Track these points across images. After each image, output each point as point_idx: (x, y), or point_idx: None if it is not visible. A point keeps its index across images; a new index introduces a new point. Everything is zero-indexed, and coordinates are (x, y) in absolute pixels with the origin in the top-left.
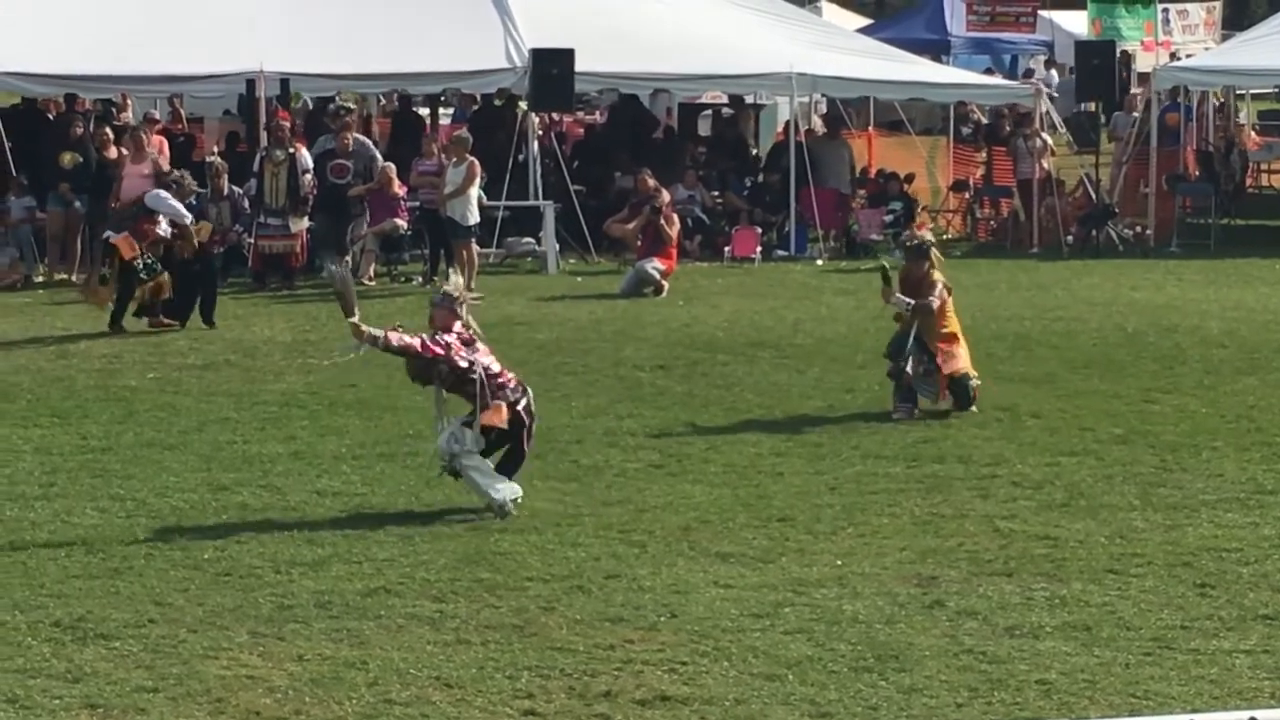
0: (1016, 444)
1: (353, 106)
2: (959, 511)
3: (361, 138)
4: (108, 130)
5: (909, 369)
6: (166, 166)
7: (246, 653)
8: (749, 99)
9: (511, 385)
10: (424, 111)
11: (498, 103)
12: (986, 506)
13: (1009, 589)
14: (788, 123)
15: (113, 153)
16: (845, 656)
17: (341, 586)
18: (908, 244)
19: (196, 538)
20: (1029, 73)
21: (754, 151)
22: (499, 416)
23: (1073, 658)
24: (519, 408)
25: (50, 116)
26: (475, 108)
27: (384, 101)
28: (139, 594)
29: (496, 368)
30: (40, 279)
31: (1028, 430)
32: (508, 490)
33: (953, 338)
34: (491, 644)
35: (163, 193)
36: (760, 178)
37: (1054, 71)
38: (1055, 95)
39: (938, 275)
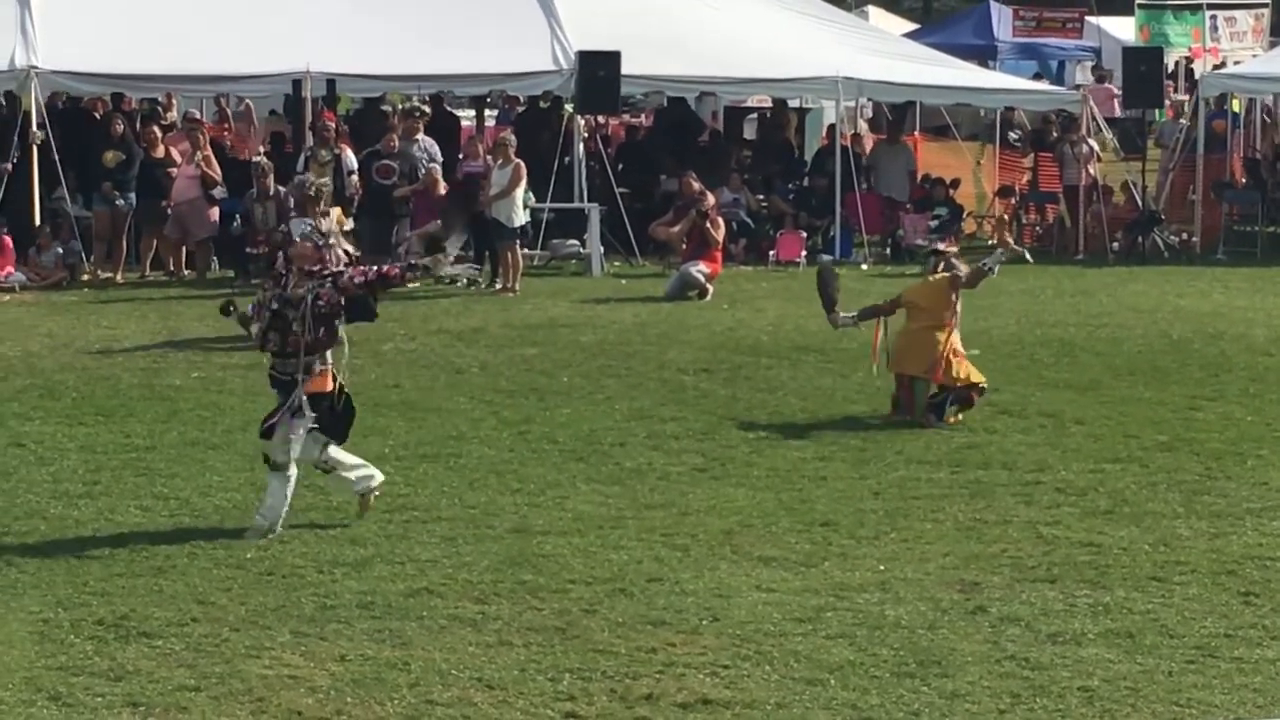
0: (1060, 450)
1: (427, 109)
2: (1002, 517)
3: (426, 139)
4: (155, 129)
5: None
6: (214, 170)
7: (289, 652)
8: (794, 103)
9: None
10: (469, 113)
11: (543, 105)
12: (1030, 513)
13: (1052, 595)
14: (831, 126)
15: (160, 152)
16: (887, 662)
17: (384, 587)
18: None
19: (239, 537)
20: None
21: (797, 154)
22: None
23: (1115, 665)
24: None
25: (96, 115)
26: (520, 109)
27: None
28: (182, 593)
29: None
30: (86, 277)
31: (1072, 437)
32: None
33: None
34: (533, 646)
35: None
36: (805, 181)
37: (1081, 76)
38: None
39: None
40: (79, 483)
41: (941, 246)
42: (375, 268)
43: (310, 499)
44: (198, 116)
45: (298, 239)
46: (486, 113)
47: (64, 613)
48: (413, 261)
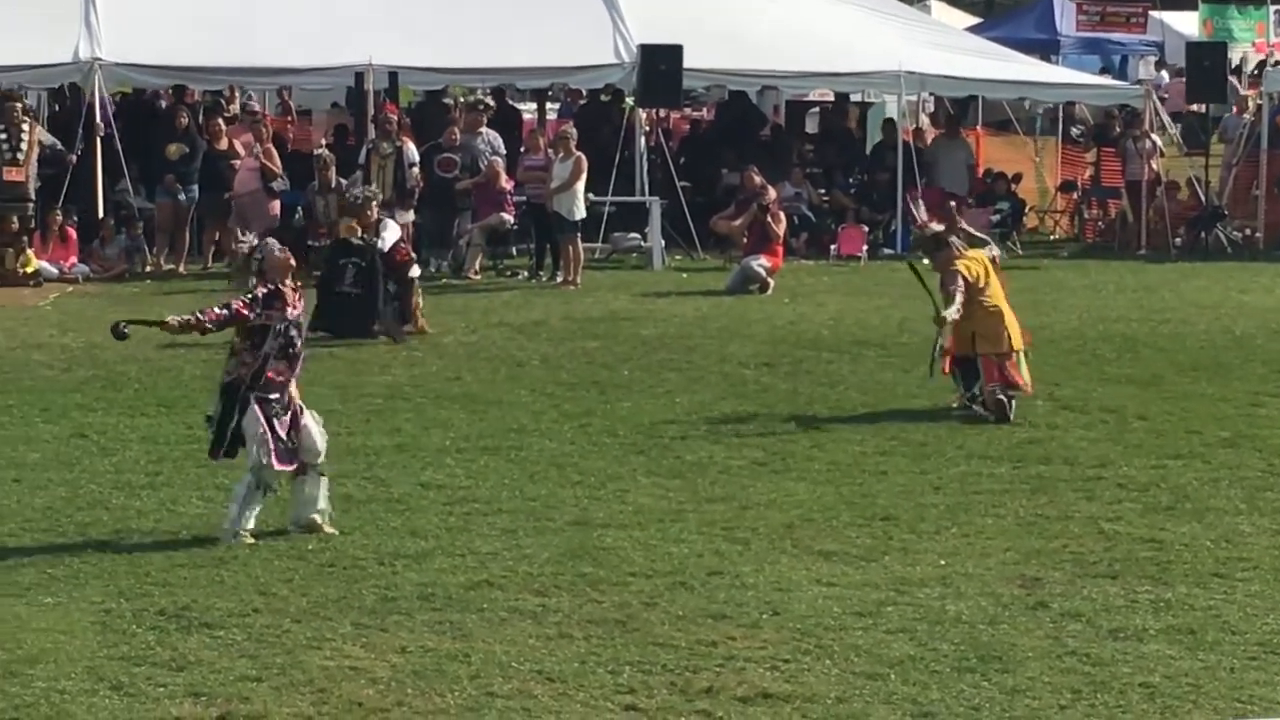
0: (1122, 446)
1: (490, 102)
2: (1064, 513)
3: (490, 132)
4: (219, 121)
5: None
6: (275, 163)
7: (349, 644)
8: (855, 97)
9: None
10: (531, 106)
11: (604, 98)
12: (1091, 508)
13: (1113, 591)
14: (890, 120)
15: (224, 144)
16: (948, 657)
17: (444, 579)
18: (920, 241)
19: (301, 528)
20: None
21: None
22: None
23: (1177, 661)
24: None
25: (160, 107)
26: (582, 102)
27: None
28: (243, 583)
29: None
30: (148, 269)
31: (1134, 432)
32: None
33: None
34: (594, 639)
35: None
36: (865, 176)
37: (1164, 72)
38: (1166, 97)
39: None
40: (141, 473)
41: (937, 227)
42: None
43: (371, 490)
44: (256, 109)
45: (276, 252)
46: (548, 106)
47: (126, 603)
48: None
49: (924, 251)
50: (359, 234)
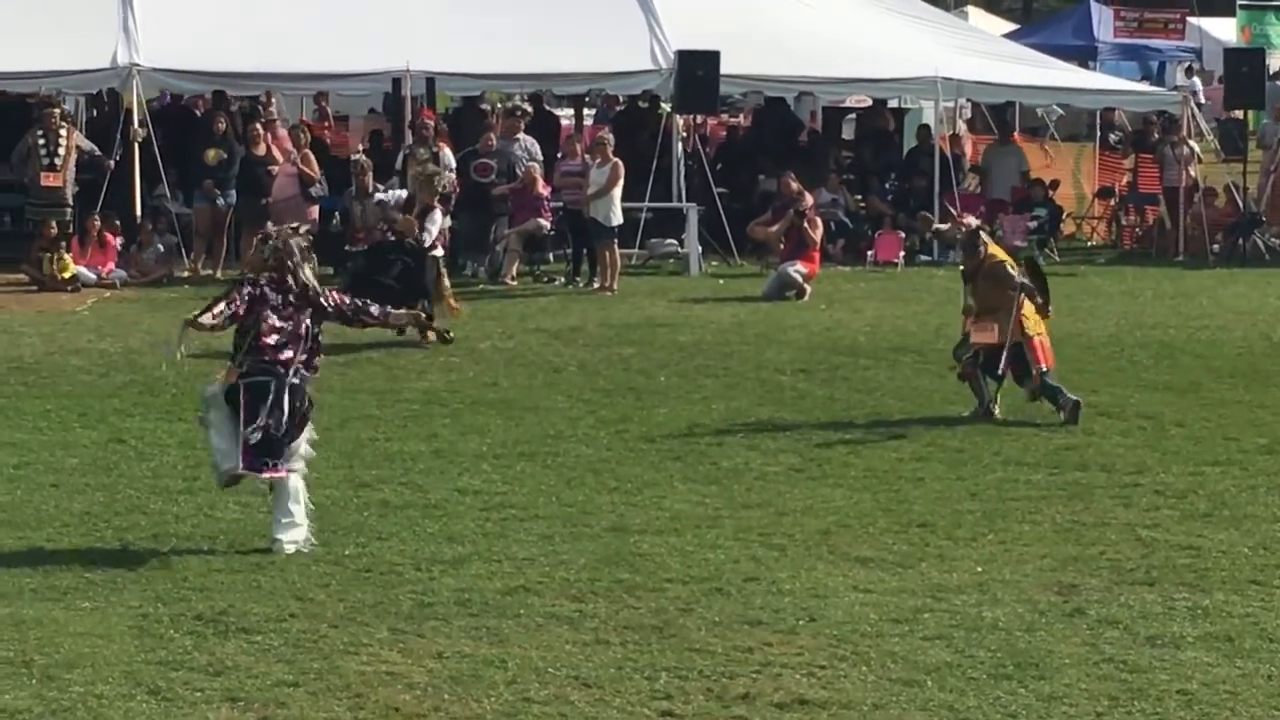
0: (1160, 453)
1: (528, 108)
2: (1101, 520)
3: (527, 138)
4: (258, 127)
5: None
6: (313, 169)
7: (386, 649)
8: (891, 103)
9: None
10: (568, 112)
11: (643, 104)
12: (1129, 515)
13: (1150, 598)
14: (925, 126)
15: (261, 149)
16: (984, 663)
17: (481, 585)
18: (958, 236)
19: (338, 534)
20: (1190, 70)
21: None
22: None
23: (1214, 668)
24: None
25: (197, 113)
26: (620, 108)
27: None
28: (280, 589)
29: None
30: (186, 273)
31: (1171, 439)
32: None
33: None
34: (630, 644)
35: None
36: (902, 182)
37: (1197, 79)
38: (1204, 102)
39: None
40: (178, 478)
41: (973, 222)
42: (362, 307)
43: (408, 496)
44: (274, 116)
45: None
46: (585, 112)
47: (163, 608)
48: (389, 313)
49: (962, 249)
50: (416, 232)
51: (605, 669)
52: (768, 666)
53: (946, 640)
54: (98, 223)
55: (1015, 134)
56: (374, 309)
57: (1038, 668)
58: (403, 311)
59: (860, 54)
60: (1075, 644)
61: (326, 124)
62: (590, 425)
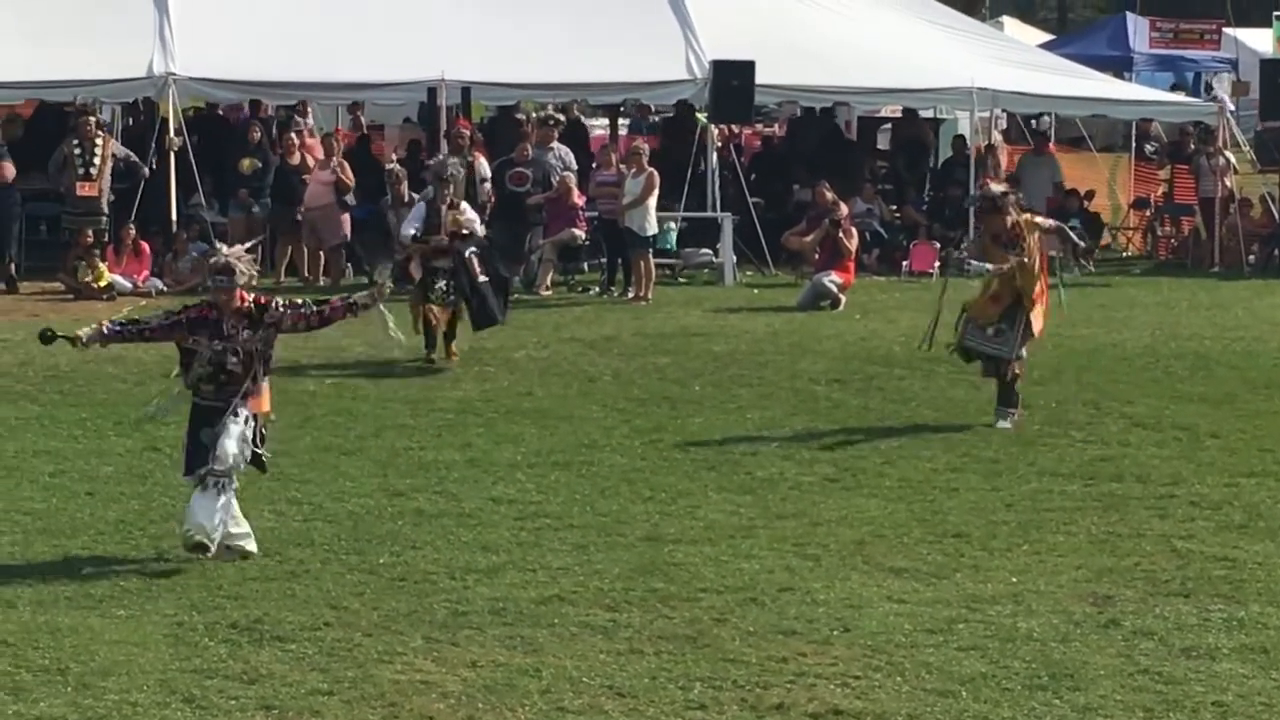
0: (1195, 464)
1: (561, 117)
2: (1136, 531)
3: (561, 147)
4: (293, 136)
5: (982, 346)
6: (349, 177)
7: (421, 658)
8: (925, 113)
9: None
10: (603, 122)
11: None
12: (1164, 526)
13: (1186, 610)
14: (958, 137)
15: (296, 158)
16: (1019, 674)
17: (515, 594)
18: (978, 199)
19: (372, 542)
20: (1208, 87)
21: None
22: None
23: (1250, 680)
24: None
25: (232, 122)
26: (666, 116)
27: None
28: (315, 597)
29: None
30: None
31: (1207, 450)
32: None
33: (1042, 294)
34: (664, 654)
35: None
36: (937, 192)
37: (1224, 90)
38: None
39: (1026, 226)
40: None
41: (998, 188)
42: (316, 310)
43: (442, 505)
44: (302, 126)
45: (221, 274)
46: (620, 121)
47: (198, 616)
48: (353, 300)
49: (982, 213)
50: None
51: (639, 679)
52: (802, 677)
53: (981, 651)
54: (133, 231)
55: (1050, 144)
56: (334, 299)
57: (1072, 679)
58: (364, 293)
59: (895, 64)
60: (1110, 655)
61: (359, 133)
62: (625, 434)
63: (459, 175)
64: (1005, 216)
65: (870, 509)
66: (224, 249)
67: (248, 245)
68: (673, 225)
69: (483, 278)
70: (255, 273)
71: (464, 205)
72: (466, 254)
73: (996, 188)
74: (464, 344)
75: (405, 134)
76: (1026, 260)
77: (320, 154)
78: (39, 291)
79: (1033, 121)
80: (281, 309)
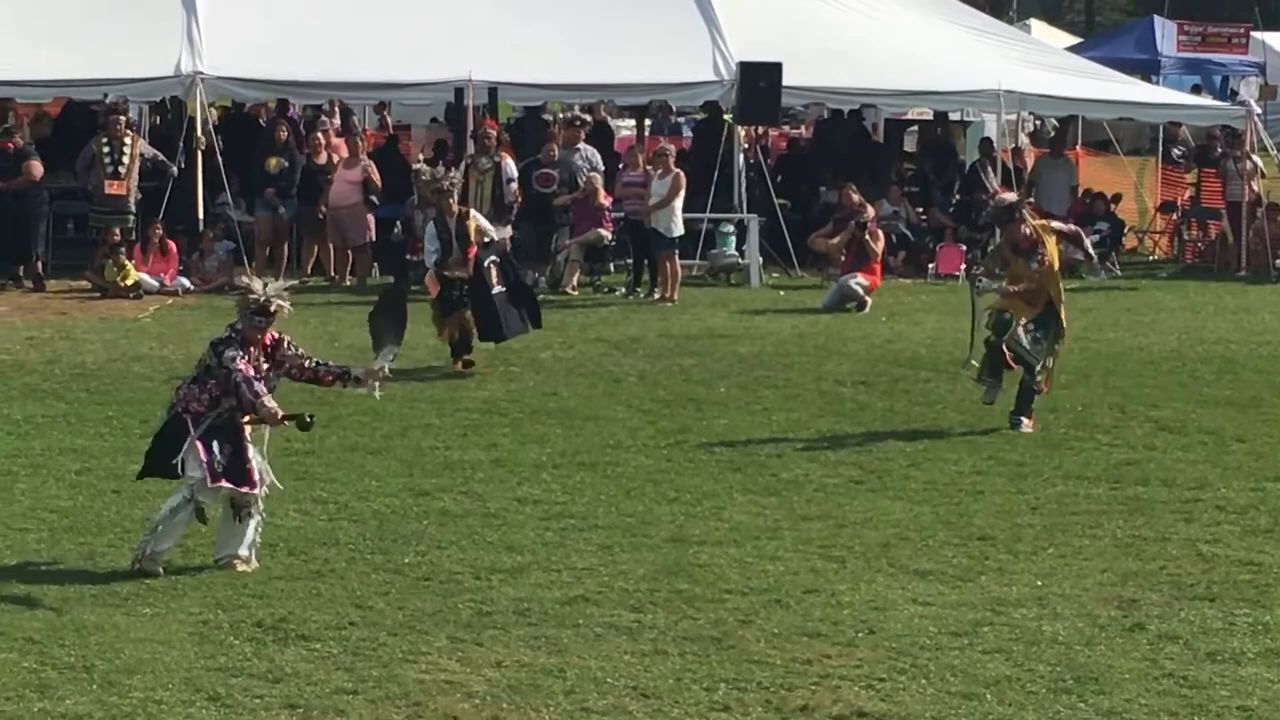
0: (1221, 468)
1: (587, 118)
2: (1161, 535)
3: (588, 148)
4: (319, 136)
5: (1021, 343)
6: (375, 177)
7: (445, 658)
8: (953, 115)
9: None
10: (630, 123)
11: (705, 115)
12: (1189, 530)
13: (1211, 614)
14: (985, 140)
15: (323, 158)
16: (1044, 678)
17: (540, 594)
18: (993, 211)
19: (397, 542)
20: (1234, 93)
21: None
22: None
23: (1275, 685)
24: None
25: (261, 122)
26: (701, 118)
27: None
28: (340, 596)
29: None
30: (245, 280)
31: (1233, 454)
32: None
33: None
34: (689, 655)
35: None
36: (957, 192)
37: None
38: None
39: (1043, 232)
40: None
41: (1010, 197)
42: (315, 367)
43: (468, 505)
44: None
45: (260, 315)
46: (647, 122)
47: (223, 614)
48: (348, 373)
49: (996, 222)
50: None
51: (664, 679)
52: (826, 679)
53: (1006, 654)
54: (160, 230)
55: (1077, 147)
56: (334, 365)
57: (1097, 682)
58: (361, 370)
59: (922, 66)
60: (1135, 659)
61: (385, 132)
62: (650, 435)
63: (456, 181)
64: (1022, 225)
65: (895, 511)
66: (264, 286)
67: (285, 285)
68: (730, 227)
69: (498, 288)
70: (291, 310)
71: (473, 213)
72: (486, 263)
73: (1009, 197)
74: (488, 342)
75: (432, 134)
76: (1047, 266)
77: (345, 153)
78: (66, 290)
79: (1039, 122)
80: (290, 352)
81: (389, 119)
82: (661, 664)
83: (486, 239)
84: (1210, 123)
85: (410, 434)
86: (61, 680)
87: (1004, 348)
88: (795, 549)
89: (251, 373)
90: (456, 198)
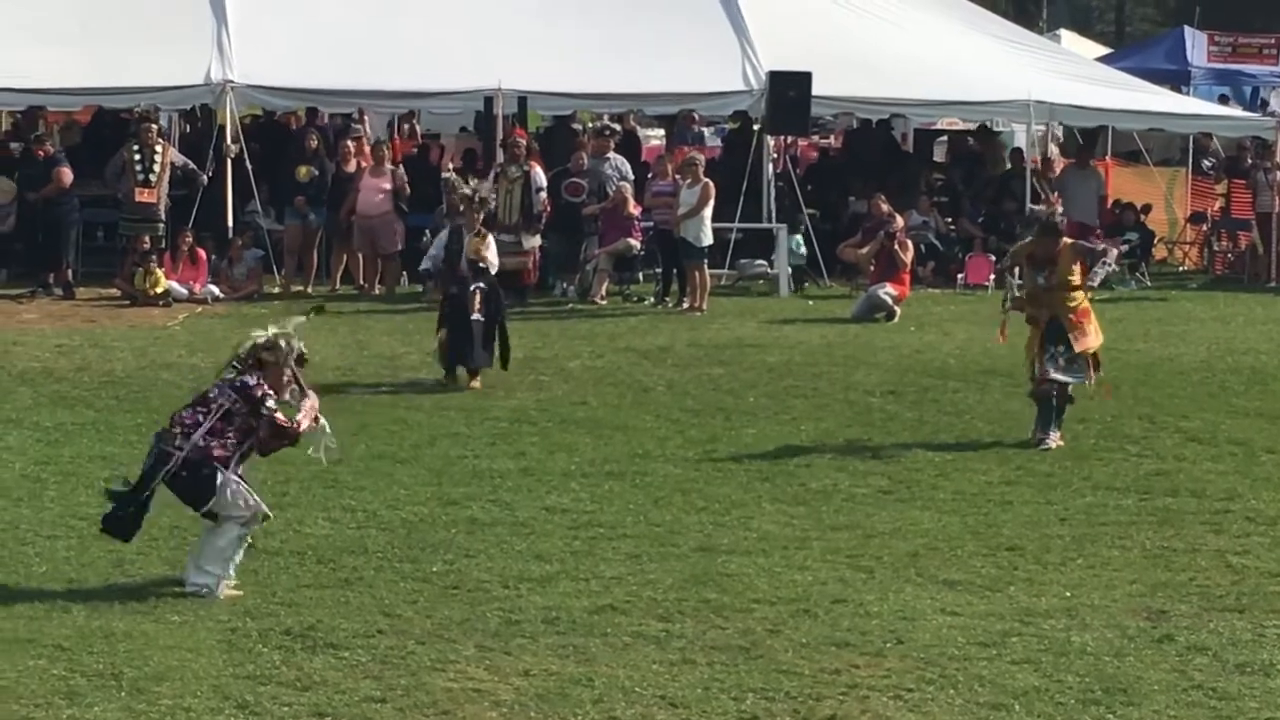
0: (1251, 479)
1: (617, 127)
2: (1191, 546)
3: (617, 157)
4: (348, 144)
5: (1061, 377)
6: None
7: (473, 666)
8: (998, 127)
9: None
10: (659, 132)
11: (736, 125)
12: (1219, 541)
13: (1240, 625)
14: (1015, 150)
15: (352, 166)
16: (1073, 688)
17: (569, 603)
18: (1042, 221)
19: (426, 551)
20: (1264, 103)
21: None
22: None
23: None
24: None
25: (291, 128)
26: (732, 127)
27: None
28: (368, 605)
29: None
30: (277, 289)
31: (1262, 465)
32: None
33: (1084, 313)
34: (717, 665)
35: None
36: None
37: (1276, 102)
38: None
39: (1067, 250)
40: (268, 494)
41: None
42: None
43: (496, 514)
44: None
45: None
46: (648, 133)
47: (252, 622)
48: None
49: (1040, 234)
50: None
51: (692, 689)
52: (855, 688)
53: (1035, 665)
54: (189, 238)
55: (1107, 158)
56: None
57: (1126, 694)
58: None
59: (952, 76)
60: (1164, 670)
61: (414, 141)
62: (678, 445)
63: (489, 201)
64: (1059, 242)
65: (924, 521)
66: (293, 338)
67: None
68: (799, 240)
69: (477, 316)
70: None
71: (489, 239)
72: (473, 287)
73: (1058, 212)
74: (519, 352)
75: (461, 143)
76: (1054, 284)
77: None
78: (95, 297)
79: (1059, 133)
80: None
81: (419, 128)
82: (689, 673)
83: (483, 265)
84: (1240, 133)
85: (439, 443)
86: (90, 687)
87: (1048, 394)
88: (823, 559)
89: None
90: (482, 218)
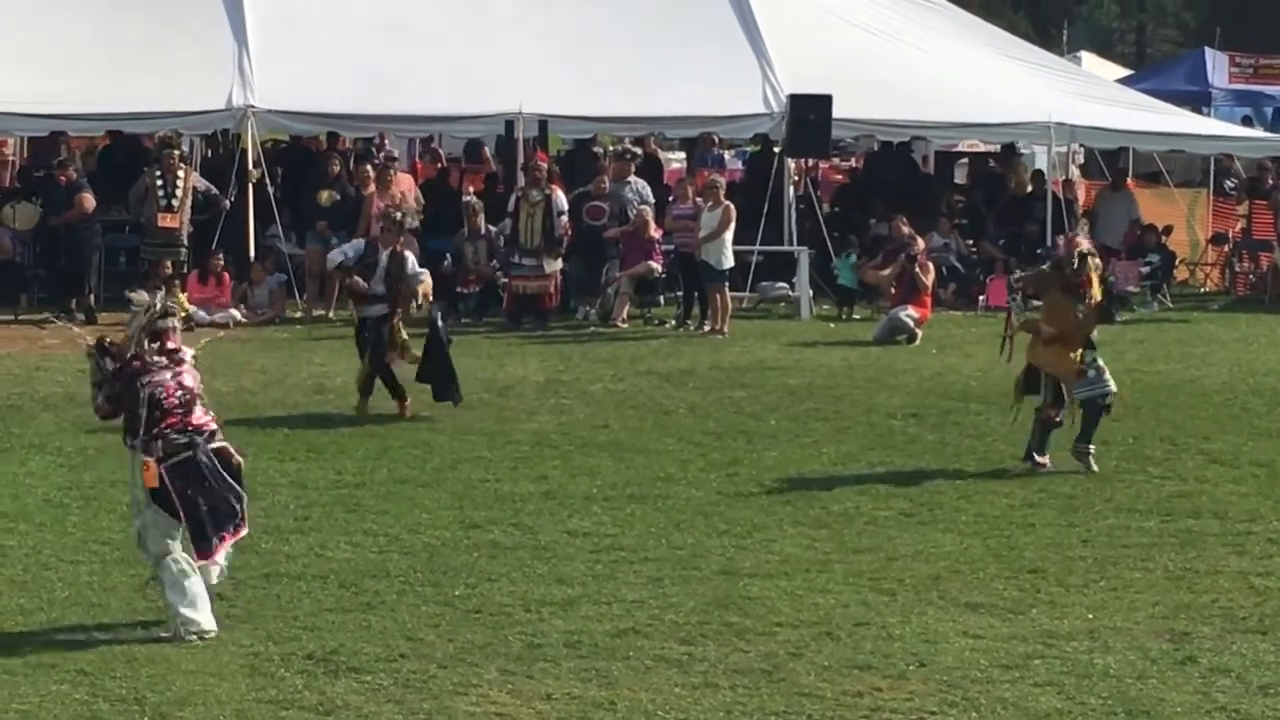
0: (1273, 500)
1: (638, 150)
2: (1213, 567)
3: (638, 180)
4: (368, 168)
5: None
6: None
7: (496, 690)
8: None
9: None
10: (679, 155)
11: (756, 148)
12: (1241, 563)
13: (1263, 647)
14: (1036, 172)
15: (371, 189)
16: (1096, 711)
17: (590, 627)
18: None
19: (448, 574)
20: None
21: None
22: (149, 474)
23: None
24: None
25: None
26: (754, 150)
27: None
28: (390, 629)
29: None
30: (299, 314)
31: None
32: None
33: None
34: (739, 688)
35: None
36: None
37: None
38: None
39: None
40: (290, 518)
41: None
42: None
43: (518, 537)
44: (388, 154)
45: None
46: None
47: (274, 647)
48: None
49: (1077, 266)
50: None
51: (714, 712)
52: (877, 711)
53: (1057, 687)
54: (220, 260)
55: (1128, 180)
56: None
57: (1149, 716)
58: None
59: (973, 98)
60: (1187, 692)
61: (438, 164)
62: (700, 468)
63: (403, 219)
64: (1090, 276)
65: (946, 544)
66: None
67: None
68: (854, 255)
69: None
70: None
71: (409, 256)
72: (434, 315)
73: (1085, 246)
74: (539, 375)
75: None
76: (1092, 308)
77: (406, 186)
78: (117, 323)
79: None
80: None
81: (441, 151)
82: (712, 696)
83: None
84: (1262, 154)
85: (461, 467)
86: (113, 712)
87: (1051, 420)
88: (846, 581)
89: None
90: (401, 237)
